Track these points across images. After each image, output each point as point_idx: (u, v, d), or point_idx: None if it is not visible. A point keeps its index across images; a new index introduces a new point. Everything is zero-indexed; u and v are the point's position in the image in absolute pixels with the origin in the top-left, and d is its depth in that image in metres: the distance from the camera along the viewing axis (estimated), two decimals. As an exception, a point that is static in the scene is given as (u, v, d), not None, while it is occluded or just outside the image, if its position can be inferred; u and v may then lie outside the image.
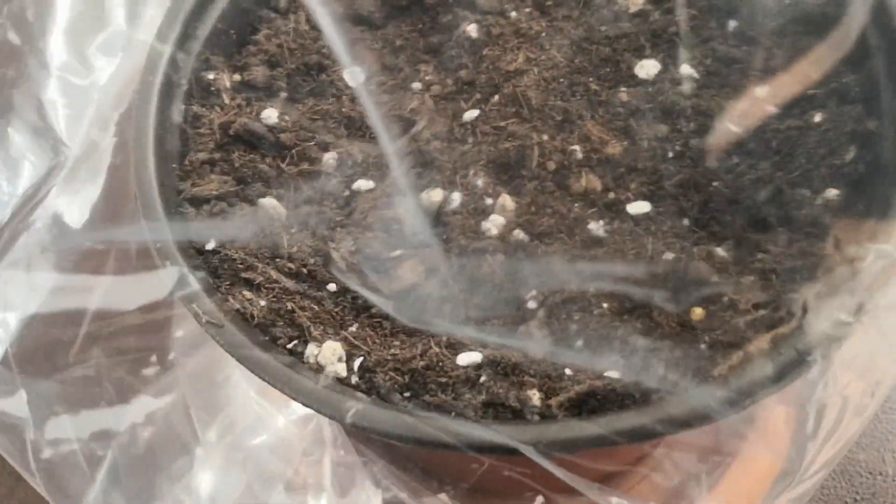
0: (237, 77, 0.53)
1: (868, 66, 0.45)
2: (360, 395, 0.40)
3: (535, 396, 0.39)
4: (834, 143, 0.44)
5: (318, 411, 0.38)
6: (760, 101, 0.47)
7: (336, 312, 0.44)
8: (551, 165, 0.46)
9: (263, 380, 0.39)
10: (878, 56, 0.44)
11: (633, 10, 0.52)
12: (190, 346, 0.57)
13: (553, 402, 0.38)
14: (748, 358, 0.37)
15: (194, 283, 0.43)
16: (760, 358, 0.36)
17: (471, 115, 0.49)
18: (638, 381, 0.37)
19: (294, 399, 0.38)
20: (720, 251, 0.42)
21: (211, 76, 0.52)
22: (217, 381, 0.59)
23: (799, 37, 0.48)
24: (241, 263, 0.44)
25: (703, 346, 0.39)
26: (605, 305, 0.41)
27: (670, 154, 0.46)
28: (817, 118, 0.45)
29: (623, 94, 0.49)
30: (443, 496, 0.53)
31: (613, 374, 0.38)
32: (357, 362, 0.41)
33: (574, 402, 0.38)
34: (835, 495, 0.69)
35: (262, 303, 0.43)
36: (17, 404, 0.49)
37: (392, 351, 0.42)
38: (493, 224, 0.45)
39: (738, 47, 0.49)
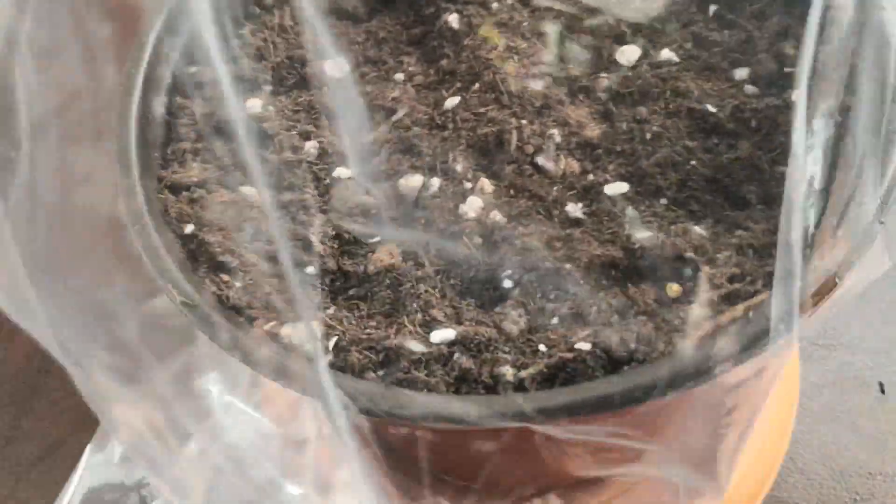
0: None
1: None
2: (334, 371, 0.40)
3: (508, 372, 0.38)
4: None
5: (287, 386, 0.38)
6: (740, 81, 0.47)
7: (313, 295, 0.44)
8: (529, 149, 0.46)
9: (234, 356, 0.39)
10: (854, 33, 0.44)
11: (614, -2, 0.52)
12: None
13: (525, 375, 0.38)
14: (720, 327, 0.36)
15: (171, 264, 0.43)
16: (731, 327, 0.36)
17: (451, 102, 0.49)
18: (608, 353, 0.37)
19: (259, 372, 0.38)
20: (698, 229, 0.42)
21: (194, 69, 0.52)
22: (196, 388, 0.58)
23: (777, 18, 0.48)
24: (218, 247, 0.44)
25: (677, 321, 0.39)
26: (580, 284, 0.41)
27: (648, 135, 0.46)
28: (795, 97, 0.45)
29: (603, 79, 0.49)
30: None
31: (585, 346, 0.38)
32: (332, 341, 0.41)
33: (545, 375, 0.37)
34: (834, 495, 0.68)
35: (238, 284, 0.43)
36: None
37: (367, 331, 0.41)
38: (471, 207, 0.45)
39: (719, 31, 0.49)
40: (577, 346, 0.38)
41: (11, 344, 0.73)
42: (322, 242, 0.45)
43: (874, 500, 0.67)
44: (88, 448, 0.62)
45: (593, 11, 0.52)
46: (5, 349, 0.72)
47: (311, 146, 0.49)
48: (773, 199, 0.42)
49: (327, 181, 0.48)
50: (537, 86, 0.49)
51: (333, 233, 0.46)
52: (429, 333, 0.40)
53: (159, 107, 0.50)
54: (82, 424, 0.66)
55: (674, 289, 0.40)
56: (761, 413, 0.44)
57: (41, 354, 0.71)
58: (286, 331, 0.41)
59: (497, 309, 0.41)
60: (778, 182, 0.43)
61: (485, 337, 0.40)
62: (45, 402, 0.70)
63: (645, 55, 0.49)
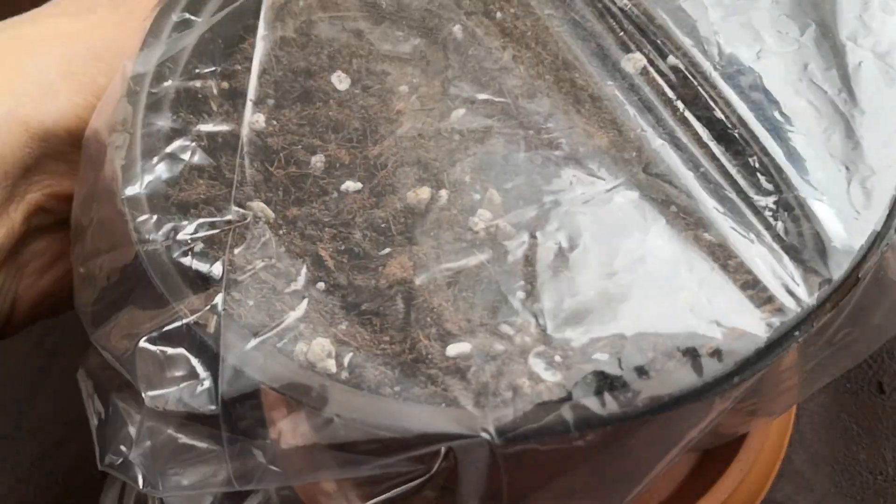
0: (225, 85, 0.53)
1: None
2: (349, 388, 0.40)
3: (525, 384, 0.38)
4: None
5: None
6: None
7: (325, 311, 0.44)
8: (538, 160, 0.46)
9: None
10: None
11: (618, 4, 0.52)
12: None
13: (542, 387, 0.38)
14: (736, 334, 0.37)
15: (181, 284, 0.43)
16: (749, 333, 0.36)
17: (457, 114, 0.49)
18: (627, 362, 0.37)
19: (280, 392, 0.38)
20: (707, 236, 0.42)
21: (198, 84, 0.52)
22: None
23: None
24: (229, 265, 0.44)
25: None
26: (592, 293, 0.41)
27: (659, 141, 0.46)
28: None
29: (609, 87, 0.49)
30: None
31: (602, 356, 0.38)
32: (347, 358, 0.41)
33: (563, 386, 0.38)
34: (833, 495, 0.69)
35: (251, 303, 0.43)
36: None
37: (382, 346, 0.42)
38: (481, 218, 0.45)
39: (722, 38, 0.49)
40: (594, 356, 0.38)
41: (11, 344, 0.72)
42: (332, 257, 0.45)
43: (875, 499, 0.68)
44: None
45: (597, 18, 0.52)
46: (5, 349, 0.72)
47: (317, 160, 0.49)
48: (787, 205, 0.43)
49: (335, 195, 0.48)
50: (543, 95, 0.49)
51: (343, 247, 0.46)
52: (444, 347, 0.40)
53: (164, 123, 0.50)
54: (82, 424, 0.66)
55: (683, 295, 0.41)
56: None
57: (41, 354, 0.71)
58: (300, 347, 0.42)
59: (511, 320, 0.41)
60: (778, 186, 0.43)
61: (500, 349, 0.40)
62: (45, 402, 0.69)
63: (651, 62, 0.49)
